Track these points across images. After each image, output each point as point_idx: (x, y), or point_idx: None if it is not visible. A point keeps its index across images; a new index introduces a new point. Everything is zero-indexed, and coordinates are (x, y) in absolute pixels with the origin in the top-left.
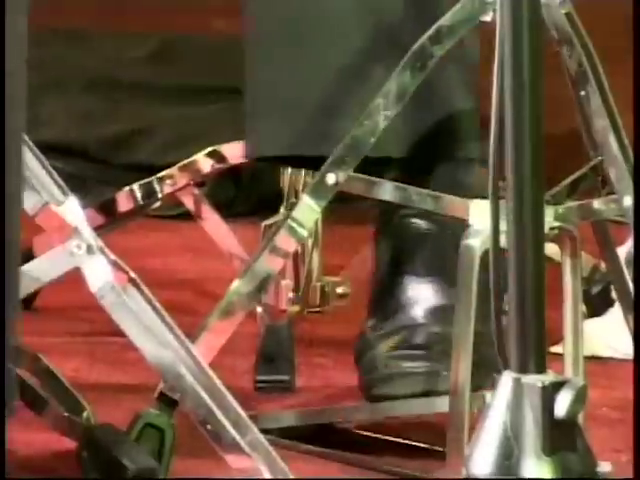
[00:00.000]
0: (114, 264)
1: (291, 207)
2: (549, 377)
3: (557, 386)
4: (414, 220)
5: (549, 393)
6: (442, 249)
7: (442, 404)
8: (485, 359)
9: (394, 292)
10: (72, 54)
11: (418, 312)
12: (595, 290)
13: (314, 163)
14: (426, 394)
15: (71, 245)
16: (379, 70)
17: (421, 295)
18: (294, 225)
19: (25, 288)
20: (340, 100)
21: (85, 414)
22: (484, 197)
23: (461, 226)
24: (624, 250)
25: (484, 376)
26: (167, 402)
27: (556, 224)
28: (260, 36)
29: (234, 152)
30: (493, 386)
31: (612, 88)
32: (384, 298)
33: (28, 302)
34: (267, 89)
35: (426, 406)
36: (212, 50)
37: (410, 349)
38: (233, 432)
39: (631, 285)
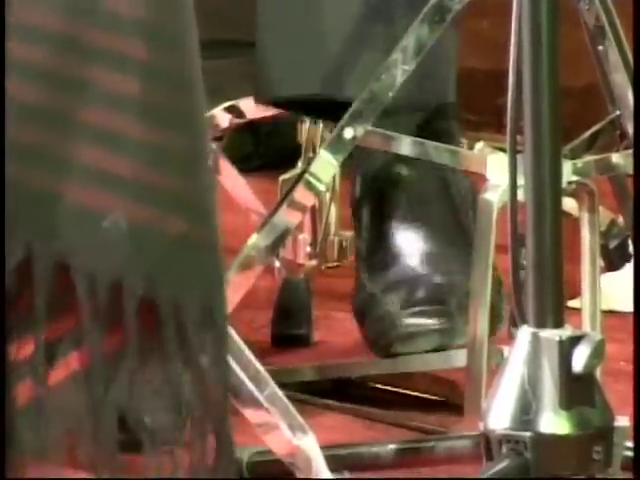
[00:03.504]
0: None
1: (309, 161)
2: (567, 331)
3: (575, 340)
4: (396, 166)
5: (567, 347)
6: (425, 195)
7: (460, 358)
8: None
9: (383, 241)
10: None
11: (414, 261)
12: (613, 244)
13: (327, 111)
14: (447, 349)
15: None
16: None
17: (411, 242)
18: (312, 179)
19: None
20: (356, 43)
21: None
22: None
23: (442, 172)
24: None
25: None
26: None
27: (574, 178)
28: None
29: (252, 106)
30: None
31: None
32: (374, 247)
33: None
34: (280, 31)
35: (444, 361)
36: (230, 3)
37: (423, 304)
38: (251, 386)
39: None
